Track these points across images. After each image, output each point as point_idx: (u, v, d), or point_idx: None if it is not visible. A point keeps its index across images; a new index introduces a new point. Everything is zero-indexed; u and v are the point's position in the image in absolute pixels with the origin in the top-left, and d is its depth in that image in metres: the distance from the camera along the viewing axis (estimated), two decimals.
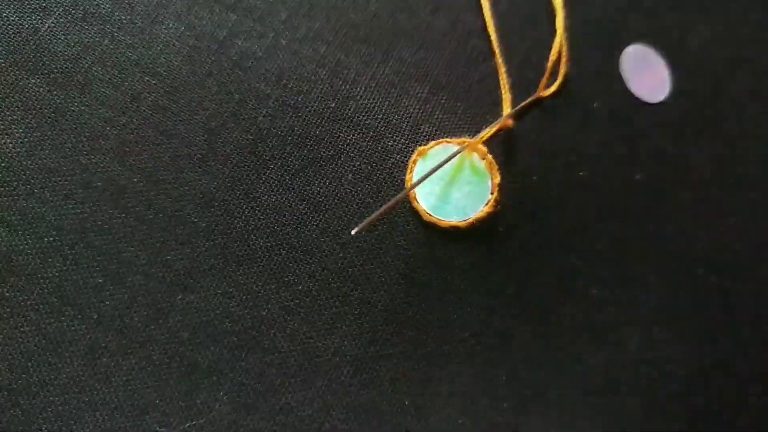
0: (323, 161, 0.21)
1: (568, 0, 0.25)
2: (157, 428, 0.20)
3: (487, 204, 0.21)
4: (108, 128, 0.21)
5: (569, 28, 0.24)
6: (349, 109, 0.22)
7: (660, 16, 0.26)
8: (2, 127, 0.21)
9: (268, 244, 0.21)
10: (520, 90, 0.23)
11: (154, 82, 0.21)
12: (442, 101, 0.23)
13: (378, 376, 0.21)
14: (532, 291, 0.22)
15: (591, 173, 0.23)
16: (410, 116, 0.22)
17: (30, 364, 0.19)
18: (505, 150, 0.22)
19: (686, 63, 0.26)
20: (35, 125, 0.21)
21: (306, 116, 0.22)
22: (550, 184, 0.23)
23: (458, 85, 0.23)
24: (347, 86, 0.22)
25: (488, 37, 0.23)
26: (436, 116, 0.22)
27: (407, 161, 0.21)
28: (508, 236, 0.22)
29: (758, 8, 0.27)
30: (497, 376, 0.22)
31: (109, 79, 0.21)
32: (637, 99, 0.26)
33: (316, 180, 0.21)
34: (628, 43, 0.26)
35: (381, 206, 0.21)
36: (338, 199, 0.21)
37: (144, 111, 0.21)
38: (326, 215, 0.21)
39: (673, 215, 0.24)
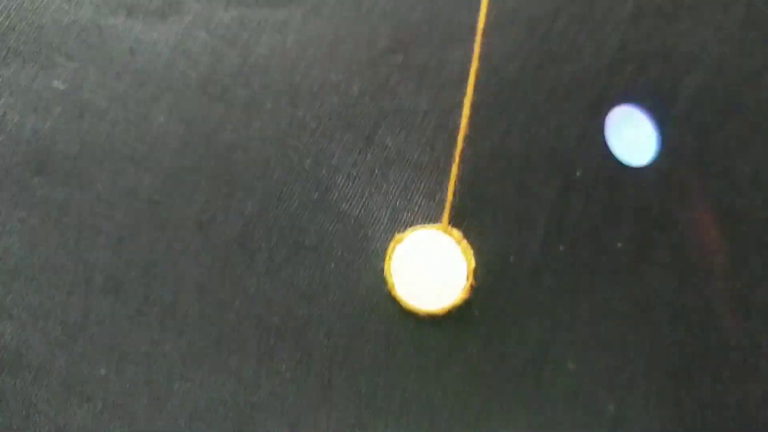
0: (307, 250, 0.22)
1: (552, 60, 0.25)
2: None
3: (462, 290, 0.22)
4: (106, 224, 0.22)
5: (552, 90, 0.25)
6: (332, 198, 0.23)
7: (646, 73, 0.26)
8: (9, 226, 0.22)
9: (258, 332, 0.22)
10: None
11: (147, 176, 0.23)
12: (422, 186, 0.23)
13: None
14: (508, 367, 0.23)
15: (570, 246, 0.24)
16: (390, 203, 0.23)
17: None
18: (481, 230, 0.23)
19: (673, 118, 0.26)
20: (39, 223, 0.22)
21: (291, 207, 0.23)
22: (526, 261, 0.24)
23: (438, 167, 0.23)
24: (330, 175, 0.23)
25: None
26: (415, 201, 0.23)
27: (386, 249, 0.22)
28: (484, 318, 0.23)
29: (754, 54, 0.27)
30: None
31: (106, 176, 0.23)
32: (621, 162, 0.26)
33: (301, 269, 0.22)
34: (612, 104, 0.26)
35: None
36: (322, 287, 0.22)
37: (139, 206, 0.22)
38: (311, 303, 0.22)
39: (656, 277, 0.25)
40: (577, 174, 0.25)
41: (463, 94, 0.24)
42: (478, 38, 0.24)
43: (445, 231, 0.22)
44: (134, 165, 0.23)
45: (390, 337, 0.22)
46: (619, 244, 0.24)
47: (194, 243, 0.22)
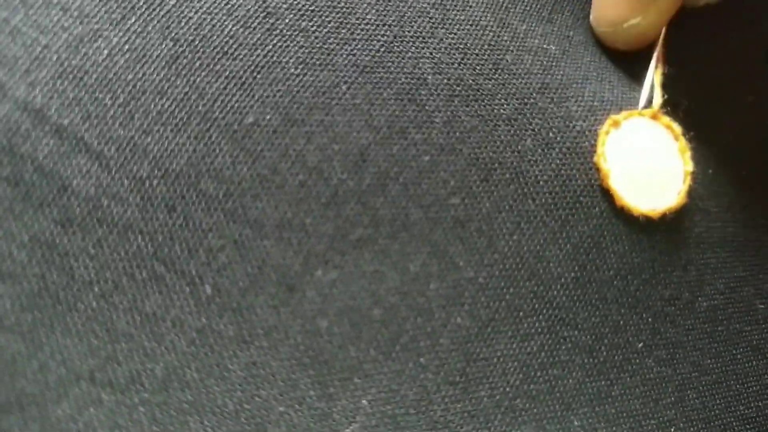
0: (498, 121, 0.17)
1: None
2: None
3: (679, 194, 0.18)
4: (234, 46, 0.16)
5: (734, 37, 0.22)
6: (526, 64, 0.18)
7: None
8: (96, 27, 0.15)
9: (430, 215, 0.17)
10: None
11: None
12: (619, 71, 0.20)
13: (548, 388, 0.17)
14: (703, 301, 0.19)
15: (756, 172, 0.21)
16: (590, 81, 0.19)
17: (119, 347, 0.14)
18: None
19: None
20: (140, 30, 0.16)
21: (477, 65, 0.18)
22: (720, 180, 0.20)
23: (632, 55, 0.20)
24: (519, 40, 0.18)
25: None
26: (614, 84, 0.19)
27: (595, 129, 0.18)
28: (689, 234, 0.19)
29: None
30: (666, 396, 0.18)
31: None
32: None
33: (489, 143, 0.17)
34: None
35: None
36: (515, 168, 0.17)
37: (281, 31, 0.16)
38: (500, 186, 0.17)
39: None
40: (749, 99, 0.22)
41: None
42: None
43: (664, 124, 0.18)
44: None
45: (593, 241, 0.17)
46: None
47: (353, 90, 0.17)
